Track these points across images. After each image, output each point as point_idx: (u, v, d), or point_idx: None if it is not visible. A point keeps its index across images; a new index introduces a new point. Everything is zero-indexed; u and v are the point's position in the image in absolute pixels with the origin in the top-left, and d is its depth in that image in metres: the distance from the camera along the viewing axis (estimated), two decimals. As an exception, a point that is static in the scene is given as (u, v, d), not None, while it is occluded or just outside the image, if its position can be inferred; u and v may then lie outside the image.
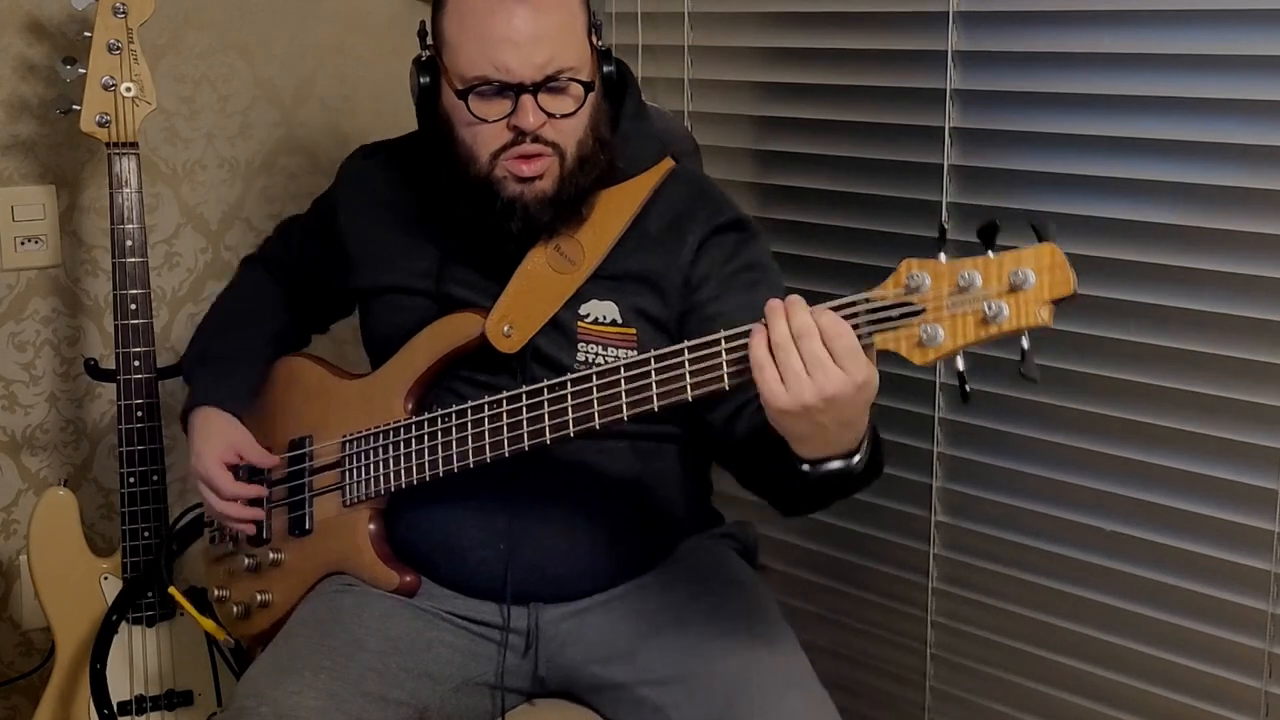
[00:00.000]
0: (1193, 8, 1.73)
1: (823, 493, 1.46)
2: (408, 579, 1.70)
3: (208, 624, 1.86)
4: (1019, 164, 1.91)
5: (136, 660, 2.04)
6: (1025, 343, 1.27)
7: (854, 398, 1.32)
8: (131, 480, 2.01)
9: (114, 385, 2.01)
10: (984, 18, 1.93)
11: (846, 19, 2.09)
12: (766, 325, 1.33)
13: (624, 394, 1.45)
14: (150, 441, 2.02)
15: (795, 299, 1.34)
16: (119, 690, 2.03)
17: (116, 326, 1.99)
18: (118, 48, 1.97)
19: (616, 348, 1.64)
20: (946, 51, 1.95)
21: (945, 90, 1.96)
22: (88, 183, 2.24)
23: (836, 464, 1.40)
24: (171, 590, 1.90)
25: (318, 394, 1.81)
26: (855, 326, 1.30)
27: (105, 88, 1.97)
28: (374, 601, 1.68)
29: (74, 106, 1.98)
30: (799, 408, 1.31)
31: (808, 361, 1.31)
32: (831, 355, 1.30)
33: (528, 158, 1.58)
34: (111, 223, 1.99)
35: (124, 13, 1.96)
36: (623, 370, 1.45)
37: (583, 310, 1.65)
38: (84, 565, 2.05)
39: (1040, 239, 1.25)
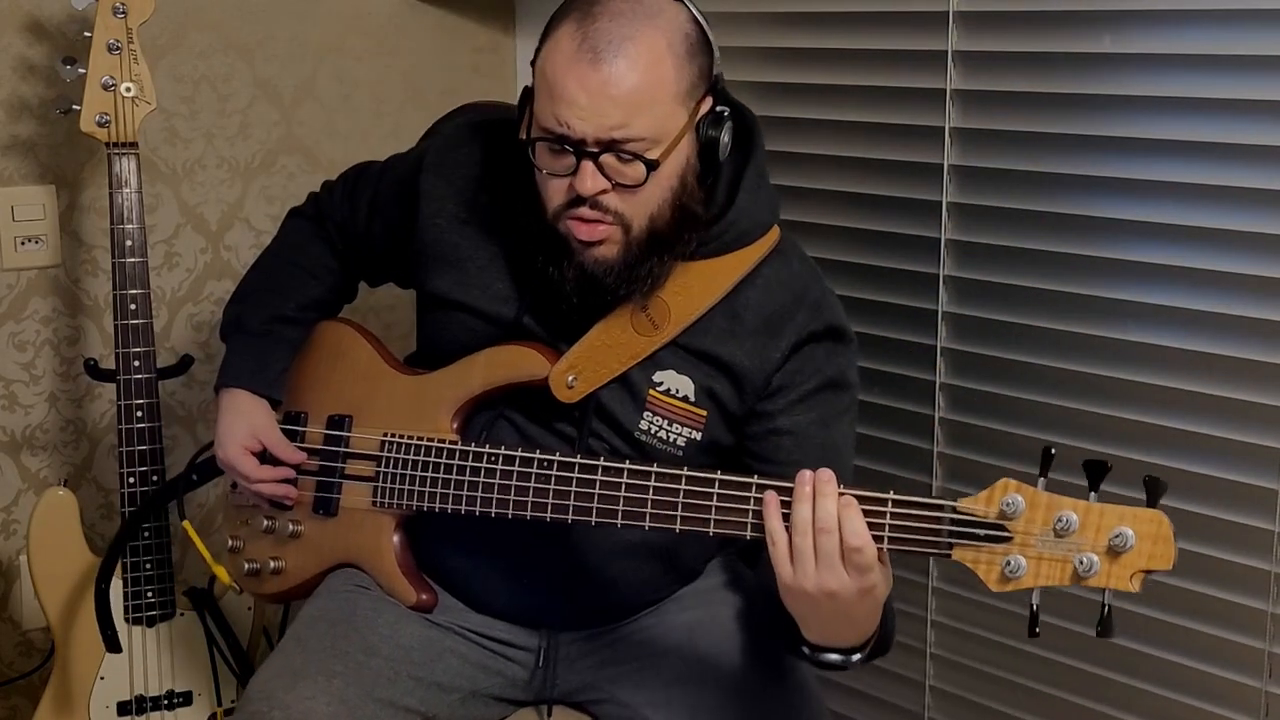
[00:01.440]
0: (1193, 8, 1.73)
1: (819, 668, 1.46)
2: (424, 597, 1.68)
3: (219, 570, 1.83)
4: (1019, 164, 1.91)
5: (136, 660, 2.04)
6: (1107, 599, 1.25)
7: (857, 603, 1.31)
8: (131, 480, 2.01)
9: (114, 385, 2.01)
10: (984, 18, 1.93)
11: (846, 19, 2.09)
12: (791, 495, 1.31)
13: (680, 505, 1.41)
14: (150, 441, 2.01)
15: (825, 479, 1.31)
16: (119, 691, 2.03)
17: (116, 326, 1.99)
18: (118, 48, 1.97)
19: (683, 425, 1.59)
20: (946, 51, 1.95)
21: (945, 90, 1.96)
22: (88, 183, 2.24)
23: (834, 657, 1.40)
24: (185, 524, 1.86)
25: (365, 376, 1.75)
26: (936, 532, 1.27)
27: (105, 88, 1.97)
28: (389, 607, 1.67)
29: (74, 106, 1.98)
30: (800, 591, 1.31)
31: (819, 553, 1.29)
32: (844, 558, 1.29)
33: (586, 221, 1.50)
34: (111, 223, 1.98)
35: (124, 13, 1.96)
36: (684, 482, 1.41)
37: (657, 378, 1.58)
38: (84, 565, 2.05)
39: (1150, 502, 1.21)
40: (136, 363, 1.99)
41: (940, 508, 1.28)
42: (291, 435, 1.77)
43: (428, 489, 1.62)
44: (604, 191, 1.48)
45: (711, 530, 1.40)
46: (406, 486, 1.64)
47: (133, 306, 1.98)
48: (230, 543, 1.83)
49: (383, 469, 1.67)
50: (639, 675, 1.63)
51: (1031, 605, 1.27)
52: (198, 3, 2.31)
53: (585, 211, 1.49)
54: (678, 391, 1.58)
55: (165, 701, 2.06)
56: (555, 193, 1.51)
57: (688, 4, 1.53)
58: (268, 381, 1.76)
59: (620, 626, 1.69)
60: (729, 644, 1.63)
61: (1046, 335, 1.91)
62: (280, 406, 1.78)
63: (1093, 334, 1.87)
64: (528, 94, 1.54)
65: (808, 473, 1.31)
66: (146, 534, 2.03)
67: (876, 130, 2.07)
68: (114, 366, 2.00)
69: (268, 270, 1.87)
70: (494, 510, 1.55)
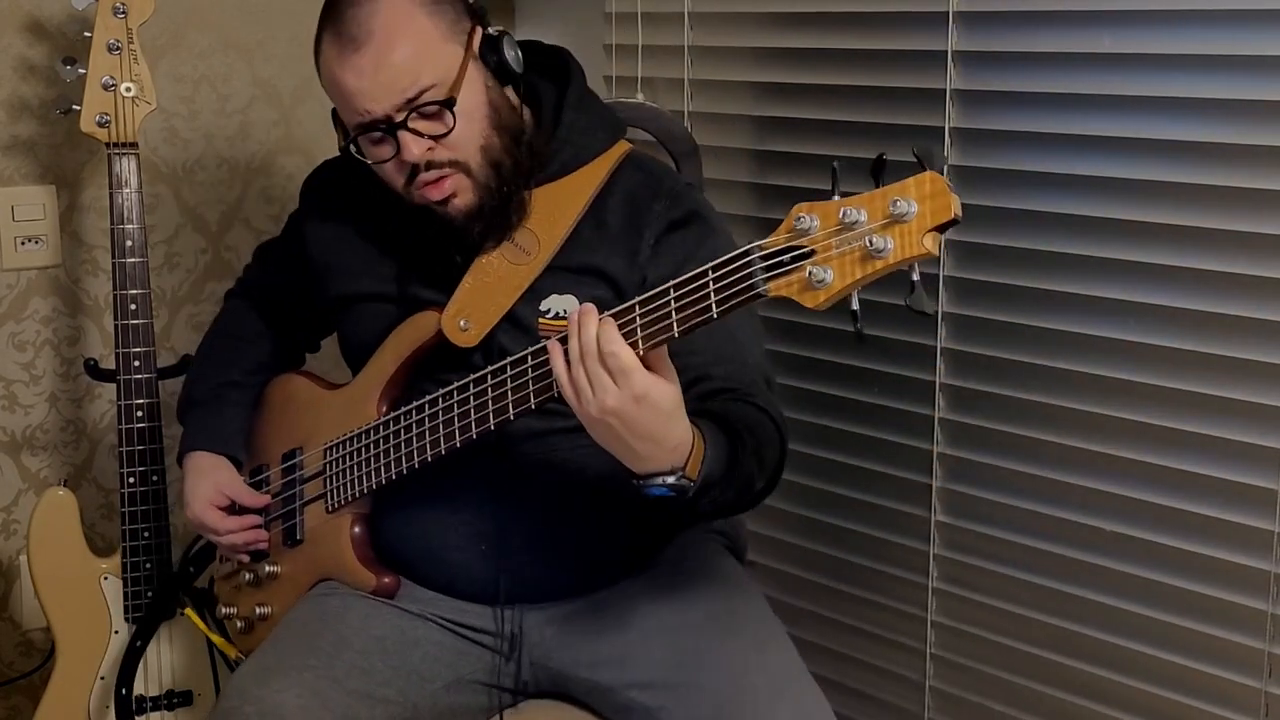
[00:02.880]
0: (1193, 8, 1.73)
1: (660, 503, 1.45)
2: (386, 580, 1.71)
3: (219, 640, 1.89)
4: (1019, 164, 1.91)
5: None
6: (915, 275, 1.24)
7: (637, 412, 1.35)
8: (131, 480, 2.01)
9: (114, 385, 2.01)
10: (984, 18, 1.93)
11: (846, 19, 2.09)
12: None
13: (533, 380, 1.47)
14: (150, 441, 2.02)
15: (585, 311, 1.38)
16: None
17: (116, 326, 1.99)
18: (118, 48, 1.97)
19: None
20: (946, 51, 1.95)
21: (945, 90, 1.96)
22: (88, 183, 2.24)
23: (663, 480, 1.41)
24: (188, 612, 1.93)
25: (306, 407, 1.83)
26: (751, 277, 1.29)
27: (105, 88, 1.97)
28: (359, 603, 1.69)
29: (74, 106, 1.98)
30: (590, 419, 1.37)
31: (590, 376, 1.37)
32: (608, 372, 1.35)
33: (431, 184, 1.60)
34: (111, 223, 1.99)
35: (124, 13, 1.96)
36: (532, 358, 1.47)
37: (543, 306, 1.64)
38: (84, 565, 2.05)
39: (922, 167, 1.22)
40: (136, 363, 2.00)
41: (747, 253, 1.30)
42: (258, 488, 1.84)
43: (364, 471, 1.69)
44: (430, 149, 1.58)
45: (532, 400, 1.45)
46: (349, 479, 1.71)
47: (133, 306, 1.99)
48: (224, 611, 1.88)
49: (328, 474, 1.74)
50: (621, 661, 1.62)
51: (851, 308, 1.28)
52: (198, 3, 2.31)
53: (425, 174, 1.59)
54: (565, 311, 1.63)
55: (165, 701, 2.06)
56: (395, 175, 1.62)
57: None
58: (223, 439, 1.85)
59: (594, 608, 1.68)
60: (708, 621, 1.63)
61: (1046, 335, 1.91)
62: (244, 466, 1.86)
63: (1093, 334, 1.87)
64: (336, 113, 1.65)
65: (573, 312, 1.39)
66: (146, 534, 2.03)
67: (877, 130, 2.07)
68: (114, 366, 2.01)
69: (210, 349, 1.97)
70: (417, 460, 1.62)
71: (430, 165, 1.59)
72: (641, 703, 1.58)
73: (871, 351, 2.11)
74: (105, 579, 2.05)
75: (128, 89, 1.98)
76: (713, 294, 1.32)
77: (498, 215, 1.63)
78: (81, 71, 1.97)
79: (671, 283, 1.35)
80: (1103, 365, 1.87)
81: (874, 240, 1.22)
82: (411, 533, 1.71)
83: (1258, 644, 1.77)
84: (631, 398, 1.35)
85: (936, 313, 1.43)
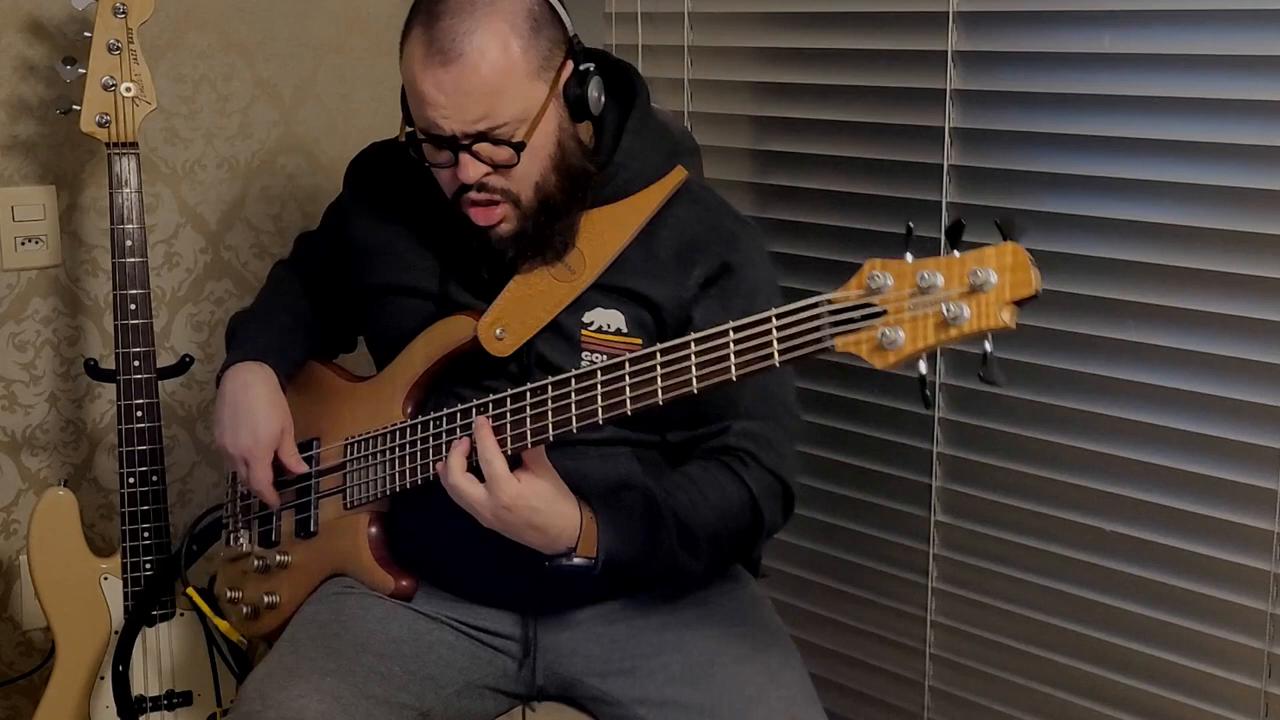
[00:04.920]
0: (1193, 8, 1.73)
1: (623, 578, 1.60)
2: (404, 583, 1.70)
3: (222, 624, 1.86)
4: (1019, 164, 1.91)
5: (136, 660, 2.04)
6: (988, 345, 1.23)
7: (510, 517, 1.50)
8: (131, 480, 2.01)
9: (114, 385, 2.01)
10: (984, 18, 1.93)
11: (846, 19, 2.09)
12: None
13: (599, 397, 1.45)
14: (150, 441, 2.02)
15: (479, 424, 1.52)
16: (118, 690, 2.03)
17: (116, 326, 1.99)
18: (118, 48, 1.97)
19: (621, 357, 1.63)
20: (946, 51, 1.95)
21: (945, 90, 1.96)
22: (88, 183, 2.24)
23: (561, 561, 1.54)
24: (189, 591, 1.89)
25: (326, 396, 1.81)
26: (818, 329, 1.29)
27: (105, 88, 1.97)
28: (376, 604, 1.68)
29: (74, 106, 1.98)
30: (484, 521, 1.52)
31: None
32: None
33: (479, 205, 1.59)
34: (111, 223, 1.99)
35: (124, 13, 1.96)
36: (599, 375, 1.44)
37: (587, 318, 1.63)
38: (84, 565, 2.05)
39: (1004, 237, 1.21)
40: (136, 363, 1.99)
41: (815, 305, 1.29)
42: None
43: (388, 474, 1.67)
44: (486, 175, 1.57)
45: (629, 409, 1.43)
46: (370, 478, 1.69)
47: (133, 306, 1.98)
48: (229, 595, 1.85)
49: (349, 471, 1.72)
50: (633, 674, 1.62)
51: (920, 373, 1.27)
52: (198, 3, 2.31)
53: (475, 195, 1.58)
54: (610, 326, 1.63)
55: (165, 701, 2.06)
56: (446, 181, 1.61)
57: None
58: (289, 356, 1.81)
59: (609, 619, 1.68)
60: (722, 643, 1.62)
61: (1046, 335, 1.91)
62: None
63: (1093, 334, 1.87)
64: (405, 95, 1.61)
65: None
66: (146, 534, 2.03)
67: (876, 130, 2.07)
68: (114, 366, 2.00)
69: (266, 297, 1.93)
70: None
71: (483, 188, 1.57)
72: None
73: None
74: (105, 579, 2.05)
75: (128, 89, 1.98)
76: (775, 342, 1.31)
77: (536, 244, 1.62)
78: (81, 71, 1.97)
79: (732, 324, 1.34)
80: (1103, 365, 1.87)
81: (950, 308, 1.20)
82: (429, 535, 1.69)
83: (1258, 644, 1.77)
84: (501, 506, 1.49)
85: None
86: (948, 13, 1.94)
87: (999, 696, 2.05)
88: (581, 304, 1.63)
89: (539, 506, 1.50)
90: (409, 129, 1.61)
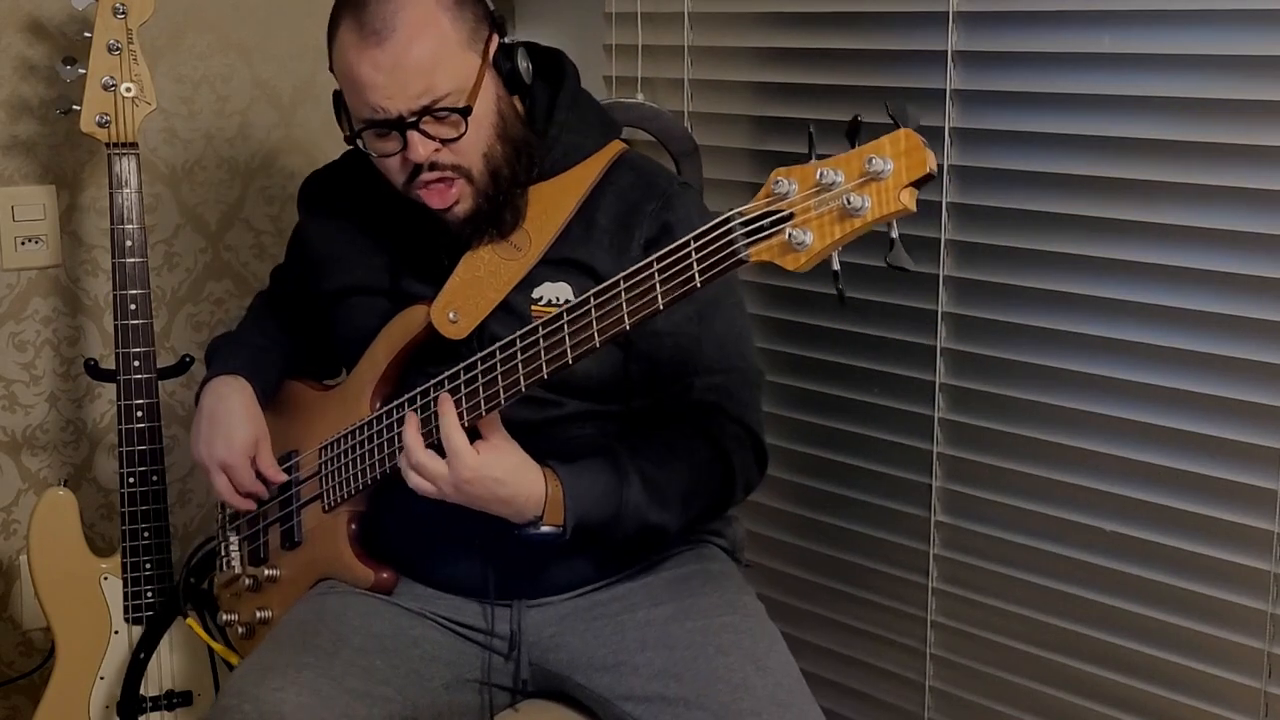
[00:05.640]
0: (1193, 8, 1.73)
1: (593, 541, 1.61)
2: (384, 575, 1.72)
3: (221, 649, 1.88)
4: (1019, 164, 1.91)
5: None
6: (894, 232, 1.25)
7: (473, 489, 1.52)
8: (131, 480, 2.01)
9: (114, 385, 2.01)
10: (984, 18, 1.93)
11: (846, 19, 2.09)
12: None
13: (542, 352, 1.48)
14: (150, 441, 2.02)
15: (442, 400, 1.54)
16: (119, 691, 2.03)
17: (116, 326, 1.99)
18: (118, 48, 1.97)
19: None
20: (946, 51, 1.95)
21: (945, 90, 1.96)
22: (88, 183, 2.24)
23: (530, 530, 1.57)
24: (190, 623, 1.92)
25: (300, 409, 1.83)
26: (732, 244, 1.31)
27: (105, 88, 1.97)
28: (357, 601, 1.69)
29: (74, 106, 1.98)
30: (444, 497, 1.55)
31: (423, 468, 1.54)
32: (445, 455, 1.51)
33: (432, 187, 1.61)
34: (111, 223, 1.99)
35: (124, 13, 1.96)
36: (540, 330, 1.48)
37: (535, 294, 1.66)
38: (84, 565, 2.05)
39: (896, 124, 1.22)
40: (136, 363, 2.00)
41: (727, 220, 1.32)
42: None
43: (359, 469, 1.69)
44: (436, 151, 1.59)
45: (570, 357, 1.45)
46: (343, 476, 1.71)
47: (133, 306, 1.99)
48: (224, 617, 1.87)
49: (324, 474, 1.74)
50: (618, 670, 1.62)
51: (833, 269, 1.29)
52: (197, 3, 2.31)
53: (428, 175, 1.60)
54: (558, 299, 1.65)
55: (165, 701, 2.06)
56: (396, 171, 1.62)
57: None
58: (265, 374, 1.83)
59: (592, 613, 1.68)
60: (706, 634, 1.62)
61: (1046, 335, 1.91)
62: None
63: (1093, 334, 1.87)
64: (338, 97, 1.65)
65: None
66: (146, 534, 2.03)
67: (877, 130, 2.06)
68: (114, 366, 2.01)
69: (246, 323, 1.96)
70: None
71: (434, 166, 1.60)
72: (636, 716, 1.58)
73: (871, 351, 2.11)
74: (105, 579, 2.05)
75: (128, 89, 1.98)
76: (695, 263, 1.34)
77: (491, 220, 1.65)
78: (81, 71, 1.97)
79: (655, 255, 1.37)
80: (1103, 365, 1.87)
81: (851, 199, 1.23)
82: (407, 529, 1.71)
83: (1258, 644, 1.77)
84: (463, 480, 1.51)
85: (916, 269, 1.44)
86: (948, 13, 1.94)
87: (999, 696, 2.05)
88: (530, 281, 1.65)
89: (501, 477, 1.53)
90: (351, 129, 1.63)
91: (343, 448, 1.72)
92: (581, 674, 1.65)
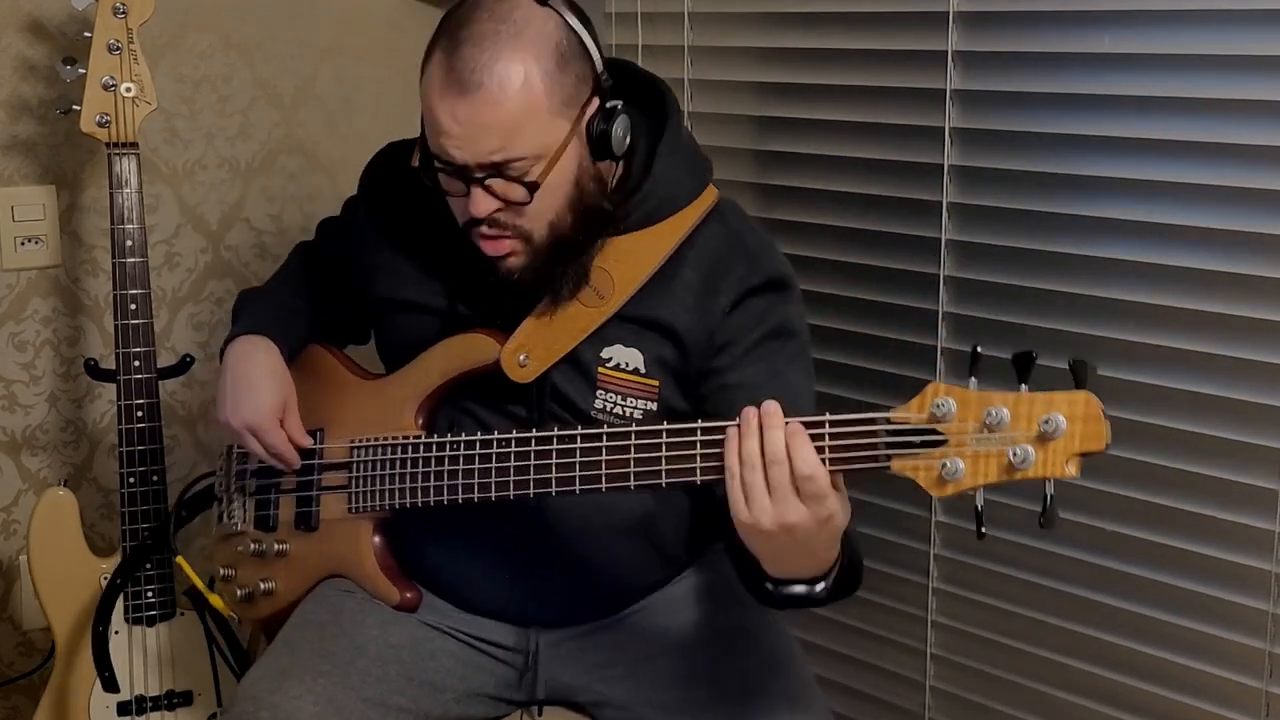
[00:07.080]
0: (1193, 8, 1.73)
1: (785, 605, 1.42)
2: (408, 595, 1.68)
3: (215, 599, 1.83)
4: (1019, 164, 1.91)
5: (136, 660, 2.04)
6: (1049, 490, 1.22)
7: (816, 532, 1.29)
8: (131, 480, 2.01)
9: (114, 385, 2.01)
10: (984, 18, 1.93)
11: (846, 19, 2.09)
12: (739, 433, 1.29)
13: (632, 461, 1.41)
14: (150, 441, 2.01)
15: (770, 412, 1.29)
16: (119, 691, 2.03)
17: (116, 326, 1.99)
18: (118, 48, 1.97)
19: (637, 398, 1.59)
20: (946, 51, 1.95)
21: (945, 90, 1.96)
22: (88, 183, 2.24)
23: (798, 589, 1.38)
24: (179, 560, 1.87)
25: (332, 388, 1.77)
26: (874, 446, 1.26)
27: (105, 88, 1.97)
28: (376, 609, 1.68)
29: (74, 106, 1.98)
30: (755, 527, 1.28)
31: (772, 487, 1.27)
32: (797, 491, 1.27)
33: (488, 238, 1.53)
34: (111, 223, 1.99)
35: (124, 13, 1.96)
36: (633, 438, 1.41)
37: (605, 354, 1.58)
38: (84, 565, 2.05)
39: (1077, 384, 1.19)
40: (136, 363, 1.99)
41: (874, 421, 1.26)
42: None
43: (398, 486, 1.63)
44: (498, 210, 1.50)
45: (664, 481, 1.38)
46: (378, 488, 1.65)
47: (133, 306, 1.98)
48: (222, 572, 1.83)
49: (354, 474, 1.68)
50: (634, 677, 1.62)
51: (976, 507, 1.26)
52: (198, 3, 2.31)
53: (485, 229, 1.52)
54: (627, 365, 1.58)
55: (165, 701, 2.06)
56: (457, 210, 1.55)
57: (559, 9, 1.51)
58: (293, 334, 1.76)
59: (609, 625, 1.68)
60: (721, 640, 1.63)
61: (1046, 336, 1.91)
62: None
63: (1093, 334, 1.87)
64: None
65: (752, 409, 1.29)
66: (146, 534, 2.03)
67: (876, 130, 2.07)
68: (114, 366, 2.00)
69: (277, 281, 1.89)
70: (460, 497, 1.56)
71: (494, 224, 1.52)
72: None
73: (872, 351, 2.11)
74: (105, 579, 2.05)
75: (128, 89, 1.97)
76: (828, 450, 1.28)
77: (550, 279, 1.56)
78: (81, 71, 1.97)
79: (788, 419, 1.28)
80: (1103, 365, 1.85)
81: (1017, 451, 1.20)
82: (433, 547, 1.68)
83: (1259, 644, 1.77)
84: (815, 520, 1.27)
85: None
86: (948, 13, 1.94)
87: (999, 696, 2.05)
88: (603, 337, 1.58)
89: (839, 531, 1.33)
90: (422, 155, 1.55)
91: (381, 456, 1.65)
92: (599, 683, 1.65)
